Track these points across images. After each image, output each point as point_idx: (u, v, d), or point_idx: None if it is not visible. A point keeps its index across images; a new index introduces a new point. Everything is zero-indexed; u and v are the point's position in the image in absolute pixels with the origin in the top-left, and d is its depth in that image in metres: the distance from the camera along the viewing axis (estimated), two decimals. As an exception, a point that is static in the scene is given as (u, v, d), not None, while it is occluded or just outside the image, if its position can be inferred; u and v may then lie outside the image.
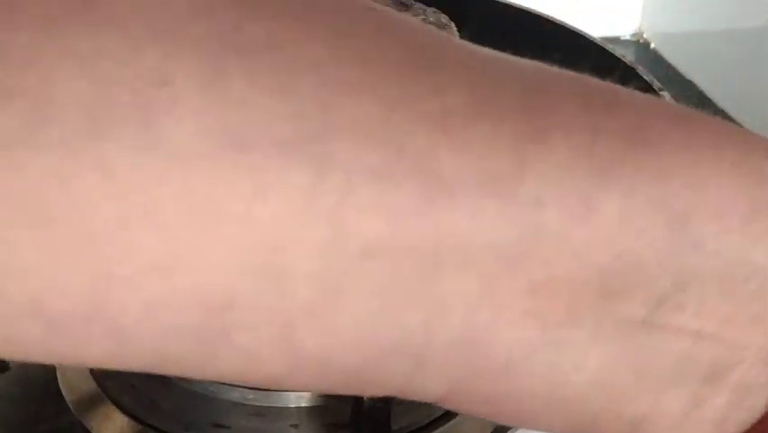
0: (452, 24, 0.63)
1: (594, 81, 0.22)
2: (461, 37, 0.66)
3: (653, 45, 1.03)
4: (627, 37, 1.04)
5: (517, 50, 0.69)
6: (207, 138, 0.18)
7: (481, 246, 0.19)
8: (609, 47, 0.71)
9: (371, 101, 0.18)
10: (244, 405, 0.54)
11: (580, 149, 0.20)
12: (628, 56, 0.71)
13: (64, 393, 0.56)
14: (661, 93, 0.61)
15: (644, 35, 1.04)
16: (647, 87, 0.62)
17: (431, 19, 0.60)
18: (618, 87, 0.22)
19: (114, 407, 0.55)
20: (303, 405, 0.54)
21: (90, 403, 0.56)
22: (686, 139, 0.21)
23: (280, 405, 0.54)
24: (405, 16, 0.21)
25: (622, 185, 0.20)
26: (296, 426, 0.53)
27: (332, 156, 0.18)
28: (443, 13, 0.63)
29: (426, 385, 0.21)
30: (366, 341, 0.19)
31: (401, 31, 0.20)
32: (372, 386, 0.21)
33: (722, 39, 0.95)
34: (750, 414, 0.22)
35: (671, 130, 0.21)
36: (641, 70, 0.65)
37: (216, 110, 0.18)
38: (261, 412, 0.54)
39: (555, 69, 0.22)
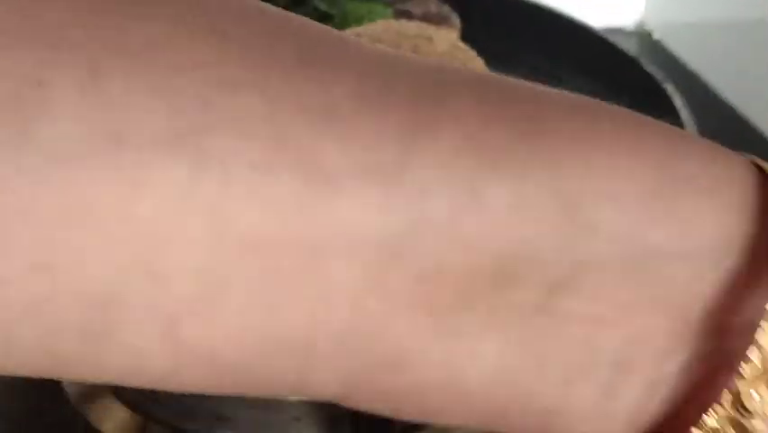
0: (455, 15, 0.62)
1: (493, 76, 0.21)
2: (465, 28, 0.67)
3: (656, 36, 1.02)
4: (630, 28, 1.04)
5: (519, 41, 0.69)
6: (84, 137, 0.18)
7: (366, 237, 0.19)
8: (612, 39, 0.70)
9: (253, 97, 0.18)
10: (245, 398, 0.54)
11: (470, 138, 0.19)
12: (631, 47, 0.71)
13: (65, 385, 0.56)
14: (664, 85, 0.61)
15: (647, 26, 1.04)
16: (650, 79, 0.62)
17: (433, 9, 0.60)
18: (520, 81, 0.21)
19: (114, 399, 0.55)
20: (304, 398, 0.54)
21: (91, 395, 0.56)
22: (582, 127, 0.20)
23: (282, 398, 0.54)
24: (300, 17, 0.21)
25: (512, 173, 0.19)
26: (297, 418, 0.53)
27: (210, 151, 0.18)
28: (446, 3, 0.63)
29: (320, 382, 0.20)
30: (251, 335, 0.19)
31: (293, 30, 0.20)
32: (264, 384, 0.20)
33: (726, 30, 0.94)
34: (666, 405, 0.22)
35: (567, 119, 0.20)
36: (643, 62, 0.65)
37: (93, 110, 0.18)
38: (263, 404, 0.54)
39: (456, 66, 0.21)
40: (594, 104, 0.22)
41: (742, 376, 0.20)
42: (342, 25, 0.61)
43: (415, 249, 0.19)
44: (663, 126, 0.22)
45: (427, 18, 0.59)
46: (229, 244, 0.18)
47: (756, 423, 0.20)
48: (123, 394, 0.55)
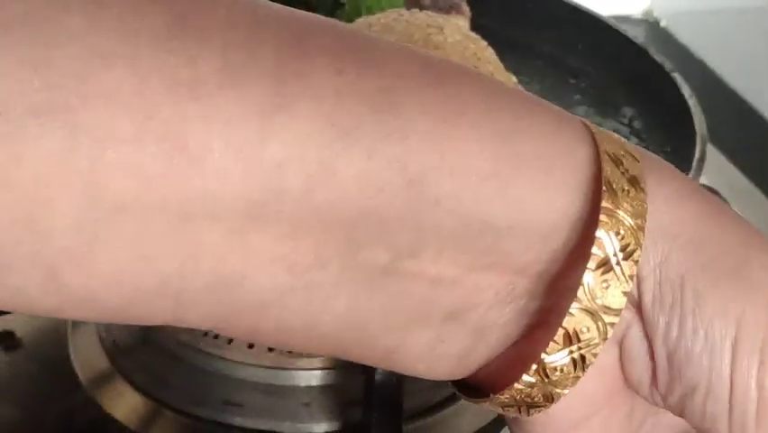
0: (465, 3, 0.63)
1: (354, 37, 0.23)
2: (475, 16, 0.66)
3: (663, 24, 1.02)
4: (638, 15, 1.04)
5: (528, 29, 0.69)
6: None
7: (227, 205, 0.21)
8: (620, 27, 0.70)
9: (125, 72, 0.20)
10: (256, 383, 0.54)
11: (323, 116, 0.21)
12: (638, 35, 0.71)
13: (77, 371, 0.57)
14: (672, 75, 0.61)
15: (655, 14, 1.03)
16: (658, 69, 0.62)
17: (443, -1, 0.60)
18: (379, 41, 0.23)
19: (126, 384, 0.55)
20: (314, 384, 0.54)
21: (103, 380, 0.56)
22: (432, 101, 0.22)
23: (292, 383, 0.54)
24: None
25: (362, 148, 0.21)
26: (307, 404, 0.54)
27: (84, 124, 0.20)
28: (455, -8, 0.63)
29: (192, 321, 0.22)
30: (125, 284, 0.21)
31: None
32: (139, 320, 0.22)
33: (734, 18, 0.94)
34: (492, 350, 0.24)
35: (418, 92, 0.22)
36: (652, 52, 0.65)
37: None
38: (273, 390, 0.54)
39: (318, 21, 0.23)
40: (447, 73, 0.23)
41: (547, 353, 0.23)
42: (353, 14, 0.62)
43: (273, 216, 0.21)
44: (512, 98, 0.23)
45: (437, 6, 0.59)
46: (102, 206, 0.20)
47: (558, 390, 0.23)
48: (134, 380, 0.55)
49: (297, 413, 0.54)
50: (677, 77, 0.61)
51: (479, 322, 0.24)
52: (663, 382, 0.24)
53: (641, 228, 0.22)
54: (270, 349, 0.54)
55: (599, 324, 0.22)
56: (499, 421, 0.53)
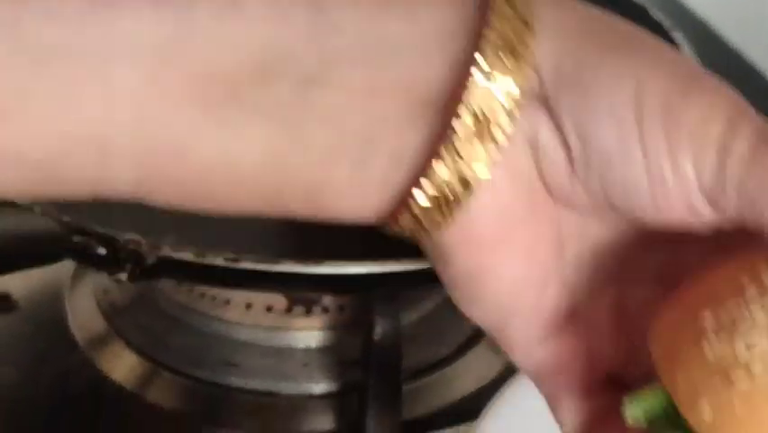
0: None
1: None
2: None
3: (661, -16, 1.02)
4: (636, -25, 1.03)
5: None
6: None
7: (142, 45, 0.23)
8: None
9: None
10: (254, 344, 0.54)
11: None
12: (637, -6, 0.70)
13: (74, 332, 0.57)
14: (672, 33, 0.61)
15: (653, -26, 1.03)
16: (658, 28, 0.62)
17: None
18: None
19: (123, 345, 0.55)
20: (312, 345, 0.54)
21: (100, 342, 0.56)
22: None
23: (290, 344, 0.54)
24: None
25: None
26: (306, 364, 0.54)
27: None
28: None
29: (116, 175, 0.24)
30: (52, 135, 0.23)
31: None
32: (68, 181, 0.24)
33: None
34: (410, 174, 0.25)
35: None
36: (651, 10, 0.64)
37: None
38: (271, 351, 0.54)
39: None
40: None
41: (454, 129, 0.24)
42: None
43: (184, 53, 0.23)
44: None
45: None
46: (28, 55, 0.22)
47: (472, 169, 0.24)
48: (132, 341, 0.55)
49: (296, 374, 0.54)
50: (677, 36, 0.61)
51: (393, 145, 0.25)
52: (581, 165, 0.25)
53: (530, 18, 0.24)
54: (269, 309, 0.54)
55: (501, 100, 0.24)
56: (498, 381, 0.53)
